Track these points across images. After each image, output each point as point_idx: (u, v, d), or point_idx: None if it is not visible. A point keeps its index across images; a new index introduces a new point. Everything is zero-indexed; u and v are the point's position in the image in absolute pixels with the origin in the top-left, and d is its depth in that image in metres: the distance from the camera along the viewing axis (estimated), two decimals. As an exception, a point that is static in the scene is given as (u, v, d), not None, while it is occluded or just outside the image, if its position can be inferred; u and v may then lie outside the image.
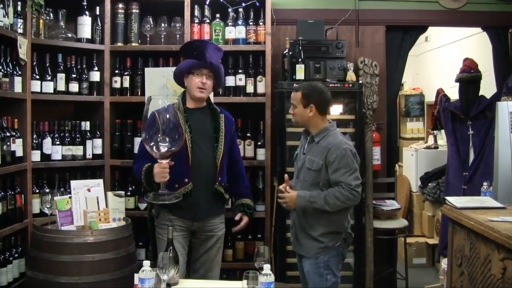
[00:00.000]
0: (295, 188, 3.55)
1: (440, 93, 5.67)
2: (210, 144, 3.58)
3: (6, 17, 3.63)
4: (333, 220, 3.41)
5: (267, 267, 2.50)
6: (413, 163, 7.02)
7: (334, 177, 3.34)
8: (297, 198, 3.41)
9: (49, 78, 4.14)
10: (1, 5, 3.56)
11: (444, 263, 4.76)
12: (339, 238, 3.45)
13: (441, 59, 7.68)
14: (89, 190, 3.63)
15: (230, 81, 4.47)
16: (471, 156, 5.24)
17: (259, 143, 4.46)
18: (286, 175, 3.64)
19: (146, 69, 4.37)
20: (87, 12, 4.33)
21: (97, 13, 4.40)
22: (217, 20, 4.45)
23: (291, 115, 3.58)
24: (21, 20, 3.82)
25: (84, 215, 3.54)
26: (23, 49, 3.83)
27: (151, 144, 2.93)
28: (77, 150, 4.27)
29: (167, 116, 2.94)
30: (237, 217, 3.79)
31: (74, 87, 4.28)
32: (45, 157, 4.14)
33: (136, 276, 2.60)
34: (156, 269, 2.54)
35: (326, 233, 3.41)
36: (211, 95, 3.99)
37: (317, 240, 3.42)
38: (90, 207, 3.59)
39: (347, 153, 3.35)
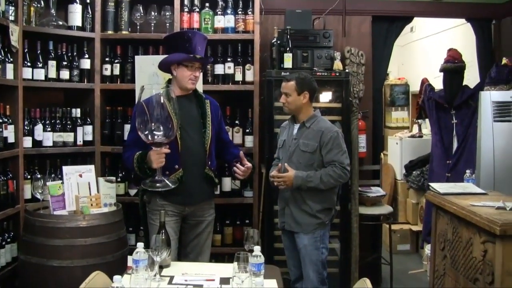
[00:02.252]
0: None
1: (424, 82, 5.76)
2: (198, 130, 3.63)
3: (-2, 4, 3.65)
4: (326, 197, 3.75)
5: (257, 249, 2.54)
6: (397, 152, 7.12)
7: (328, 157, 3.68)
8: (295, 178, 3.65)
9: (40, 65, 4.16)
10: (-7, -8, 3.58)
11: (427, 249, 4.87)
12: (331, 213, 3.83)
13: (426, 49, 7.75)
14: (80, 175, 3.69)
15: (219, 69, 4.51)
16: (455, 145, 5.34)
17: (248, 130, 4.52)
18: (279, 164, 3.77)
19: (136, 57, 4.39)
20: (77, 0, 4.35)
21: (88, 1, 4.41)
22: (207, 9, 4.49)
23: (283, 104, 3.78)
24: (13, 7, 3.83)
25: (76, 200, 3.60)
26: (15, 36, 3.84)
27: (146, 132, 3.03)
28: (68, 137, 4.31)
29: (159, 105, 3.05)
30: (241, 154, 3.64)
31: (65, 74, 4.30)
32: (37, 143, 4.17)
33: (129, 258, 2.65)
34: (149, 251, 2.60)
35: (321, 210, 3.73)
36: (200, 83, 4.05)
37: (315, 217, 3.73)
38: (82, 192, 3.66)
39: (339, 135, 3.74)
